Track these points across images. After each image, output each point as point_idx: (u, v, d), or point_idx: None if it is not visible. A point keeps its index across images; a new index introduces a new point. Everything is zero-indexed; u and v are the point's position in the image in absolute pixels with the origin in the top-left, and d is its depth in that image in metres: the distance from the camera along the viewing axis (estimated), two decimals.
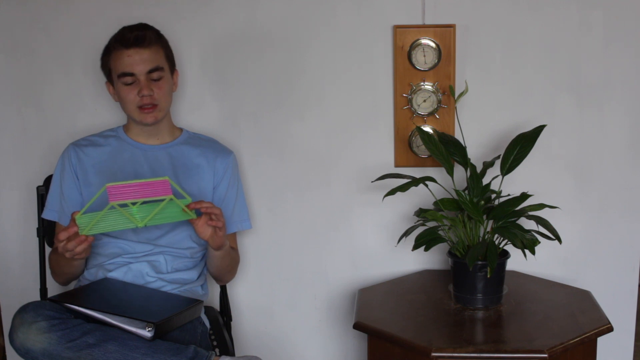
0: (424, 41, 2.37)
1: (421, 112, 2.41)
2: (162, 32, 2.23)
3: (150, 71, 2.15)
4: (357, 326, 2.14)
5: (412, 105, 2.41)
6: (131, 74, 2.13)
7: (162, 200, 1.95)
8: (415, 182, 2.19)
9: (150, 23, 2.22)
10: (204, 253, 2.28)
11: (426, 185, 2.25)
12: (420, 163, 2.45)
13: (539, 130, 2.20)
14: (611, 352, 2.50)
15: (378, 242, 2.54)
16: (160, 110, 2.19)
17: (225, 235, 2.11)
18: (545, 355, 1.93)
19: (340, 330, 2.61)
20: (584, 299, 2.25)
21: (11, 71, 2.49)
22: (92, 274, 2.17)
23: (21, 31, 2.46)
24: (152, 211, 1.99)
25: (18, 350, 1.86)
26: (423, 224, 2.27)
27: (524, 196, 2.16)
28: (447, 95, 2.39)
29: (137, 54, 2.13)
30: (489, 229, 2.20)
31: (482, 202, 2.20)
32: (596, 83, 2.40)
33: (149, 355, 1.88)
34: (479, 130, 2.43)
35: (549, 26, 2.38)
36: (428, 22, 2.38)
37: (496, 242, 2.18)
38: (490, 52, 2.40)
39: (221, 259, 2.18)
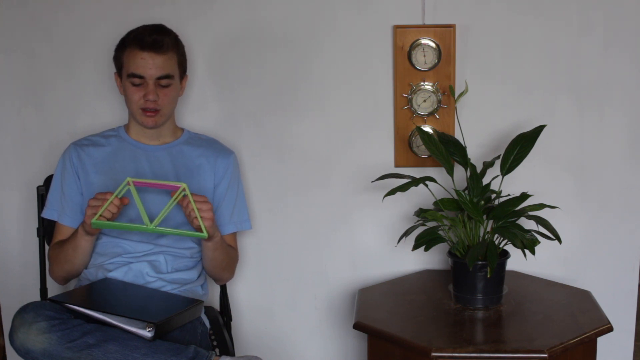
0: (424, 41, 2.37)
1: (421, 112, 2.41)
2: None
3: (160, 77, 2.14)
4: (357, 326, 2.14)
5: (412, 105, 2.41)
6: (140, 77, 2.13)
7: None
8: (415, 182, 2.19)
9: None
10: None
11: (426, 185, 2.25)
12: (420, 163, 2.45)
13: (539, 130, 2.20)
14: (611, 352, 2.50)
15: (378, 242, 2.54)
16: (162, 116, 2.19)
17: (215, 226, 2.10)
18: (545, 355, 1.93)
19: (340, 330, 2.61)
20: (584, 299, 2.25)
21: (11, 71, 2.49)
22: (92, 274, 2.17)
23: (21, 31, 2.46)
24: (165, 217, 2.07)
25: (18, 350, 1.86)
26: (423, 224, 2.27)
27: (524, 196, 2.16)
28: (447, 95, 2.40)
29: (150, 58, 2.12)
30: (489, 229, 2.20)
31: (482, 202, 2.20)
32: (596, 83, 2.40)
33: (149, 356, 1.88)
34: (479, 130, 2.43)
35: (549, 26, 2.38)
36: (428, 22, 2.38)
37: (496, 242, 2.18)
38: (490, 52, 2.40)
39: (213, 251, 2.17)
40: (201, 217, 2.01)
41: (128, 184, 2.01)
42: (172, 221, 2.15)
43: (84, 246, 2.12)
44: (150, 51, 2.12)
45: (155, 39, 2.13)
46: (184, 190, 2.00)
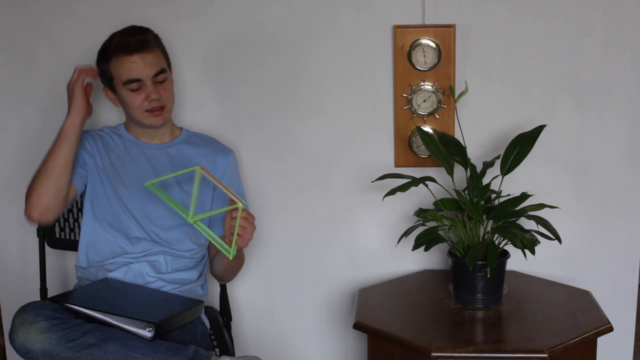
0: (424, 41, 2.37)
1: (421, 112, 2.41)
2: (162, 33, 2.23)
3: (156, 74, 2.14)
4: (357, 326, 2.14)
5: (412, 105, 2.41)
6: (138, 80, 2.12)
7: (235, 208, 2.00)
8: (415, 182, 2.19)
9: (151, 24, 2.22)
10: (204, 253, 2.28)
11: (426, 185, 2.25)
12: (420, 163, 2.45)
13: (539, 130, 2.20)
14: (611, 352, 2.50)
15: (378, 242, 2.54)
16: (167, 111, 2.19)
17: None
18: (545, 355, 1.93)
19: (340, 330, 2.61)
20: (584, 299, 2.25)
21: (11, 71, 2.49)
22: (92, 274, 2.17)
23: (21, 32, 2.46)
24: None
25: (18, 350, 1.86)
26: (423, 224, 2.27)
27: (524, 196, 2.16)
28: (447, 95, 2.40)
29: (141, 59, 2.11)
30: (489, 229, 2.20)
31: (482, 202, 2.20)
32: (596, 83, 2.40)
33: (149, 355, 1.88)
34: (479, 130, 2.43)
35: (549, 26, 2.38)
36: (428, 22, 2.38)
37: (496, 242, 2.18)
38: (490, 52, 2.40)
39: (230, 261, 2.19)
40: (238, 236, 2.00)
41: (199, 169, 1.98)
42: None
43: (70, 136, 2.07)
44: (139, 52, 2.11)
45: (139, 39, 2.12)
46: (239, 208, 1.98)
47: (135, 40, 2.11)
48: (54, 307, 1.90)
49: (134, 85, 2.13)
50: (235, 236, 2.00)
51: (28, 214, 2.07)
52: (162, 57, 2.18)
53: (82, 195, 2.22)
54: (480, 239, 2.20)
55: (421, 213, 2.25)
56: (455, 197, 2.21)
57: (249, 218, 2.01)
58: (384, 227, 2.52)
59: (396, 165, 2.48)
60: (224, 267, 2.24)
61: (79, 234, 2.22)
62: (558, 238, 2.08)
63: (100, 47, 2.17)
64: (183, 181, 2.22)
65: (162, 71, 2.16)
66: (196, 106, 2.48)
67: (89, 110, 2.11)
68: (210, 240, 2.06)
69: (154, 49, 2.15)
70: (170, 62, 2.25)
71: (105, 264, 2.16)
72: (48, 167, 2.07)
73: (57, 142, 2.09)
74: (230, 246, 2.03)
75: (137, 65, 2.11)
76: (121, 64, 2.12)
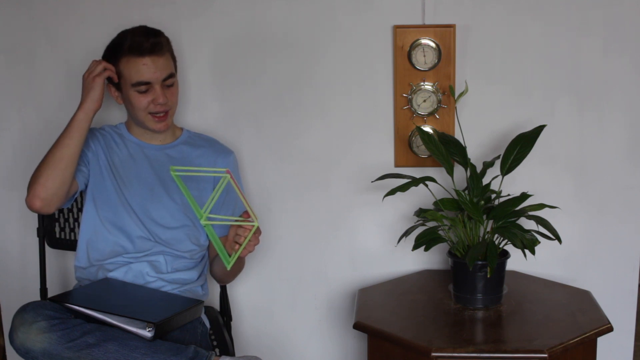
0: (424, 41, 2.37)
1: (421, 112, 2.41)
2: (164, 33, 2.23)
3: (165, 78, 2.14)
4: (357, 326, 2.14)
5: (412, 105, 2.41)
6: (147, 83, 2.12)
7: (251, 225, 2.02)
8: (415, 182, 2.19)
9: (152, 24, 2.22)
10: (204, 254, 2.28)
11: (426, 185, 2.25)
12: (420, 163, 2.45)
13: (539, 130, 2.20)
14: (611, 352, 2.50)
15: (378, 242, 2.54)
16: (171, 116, 2.20)
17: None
18: (545, 355, 1.93)
19: (340, 330, 2.61)
20: (584, 299, 2.26)
21: (11, 71, 2.49)
22: (92, 274, 2.17)
23: (21, 31, 2.46)
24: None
25: (18, 350, 1.86)
26: (423, 224, 2.27)
27: (524, 196, 2.16)
28: (447, 95, 2.40)
29: (153, 62, 2.11)
30: (489, 229, 2.20)
31: (482, 202, 2.20)
32: (596, 83, 2.40)
33: (149, 355, 1.88)
34: (479, 130, 2.43)
35: (549, 26, 2.38)
36: (428, 22, 2.38)
37: (496, 242, 2.18)
38: (490, 52, 2.40)
39: (237, 263, 2.20)
40: (244, 249, 2.01)
41: (227, 175, 1.97)
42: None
43: (82, 127, 2.06)
44: (151, 55, 2.11)
45: (153, 42, 2.12)
46: (254, 226, 1.99)
47: (148, 43, 2.11)
48: (54, 307, 1.91)
49: (143, 88, 2.12)
50: (240, 249, 2.01)
51: (30, 203, 2.05)
52: (171, 61, 2.19)
53: (82, 193, 2.22)
54: (480, 239, 2.20)
55: (421, 213, 2.25)
56: (455, 197, 2.21)
57: (257, 232, 2.03)
58: (384, 227, 2.52)
59: (396, 165, 2.48)
60: (223, 270, 2.24)
61: (79, 233, 2.23)
62: (558, 238, 2.08)
63: (109, 44, 2.17)
64: (183, 180, 2.22)
65: (171, 75, 2.16)
66: (196, 106, 2.48)
67: (101, 104, 2.11)
68: (215, 246, 2.05)
69: (165, 52, 2.15)
70: (177, 65, 2.25)
71: (105, 264, 2.16)
72: (56, 157, 2.06)
73: (68, 132, 2.08)
74: (230, 254, 2.04)
75: (148, 68, 2.11)
76: (132, 65, 2.11)
